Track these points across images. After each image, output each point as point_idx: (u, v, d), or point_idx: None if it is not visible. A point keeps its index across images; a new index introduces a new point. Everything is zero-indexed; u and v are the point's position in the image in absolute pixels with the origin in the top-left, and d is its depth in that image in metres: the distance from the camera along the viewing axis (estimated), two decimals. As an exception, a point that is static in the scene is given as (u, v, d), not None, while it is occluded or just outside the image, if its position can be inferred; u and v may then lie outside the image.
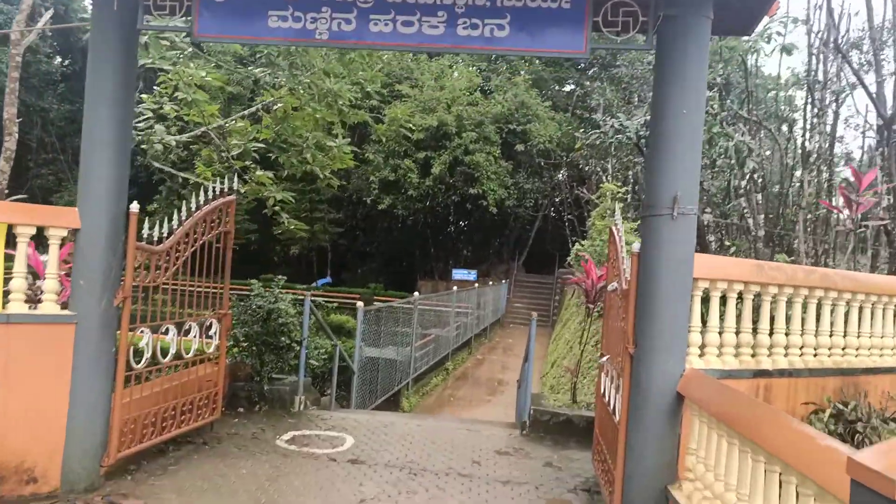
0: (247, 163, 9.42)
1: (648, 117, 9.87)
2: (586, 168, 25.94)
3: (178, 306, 6.02)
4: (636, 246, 4.98)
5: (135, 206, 5.26)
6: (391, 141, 32.16)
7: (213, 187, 6.34)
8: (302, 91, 9.18)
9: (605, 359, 6.08)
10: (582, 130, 35.36)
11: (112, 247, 5.20)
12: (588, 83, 34.44)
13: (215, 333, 6.54)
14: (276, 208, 9.48)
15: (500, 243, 37.79)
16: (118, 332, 5.27)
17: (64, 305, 5.22)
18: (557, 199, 35.41)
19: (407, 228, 34.63)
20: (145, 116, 8.99)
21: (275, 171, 10.31)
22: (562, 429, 7.54)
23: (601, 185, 17.63)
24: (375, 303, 33.80)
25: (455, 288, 20.52)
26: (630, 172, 18.19)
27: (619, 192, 15.73)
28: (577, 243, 16.42)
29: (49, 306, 5.08)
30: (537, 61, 38.85)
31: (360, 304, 10.38)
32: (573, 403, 8.20)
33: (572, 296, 23.44)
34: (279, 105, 9.53)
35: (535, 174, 35.47)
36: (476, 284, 25.60)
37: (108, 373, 5.24)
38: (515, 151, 33.19)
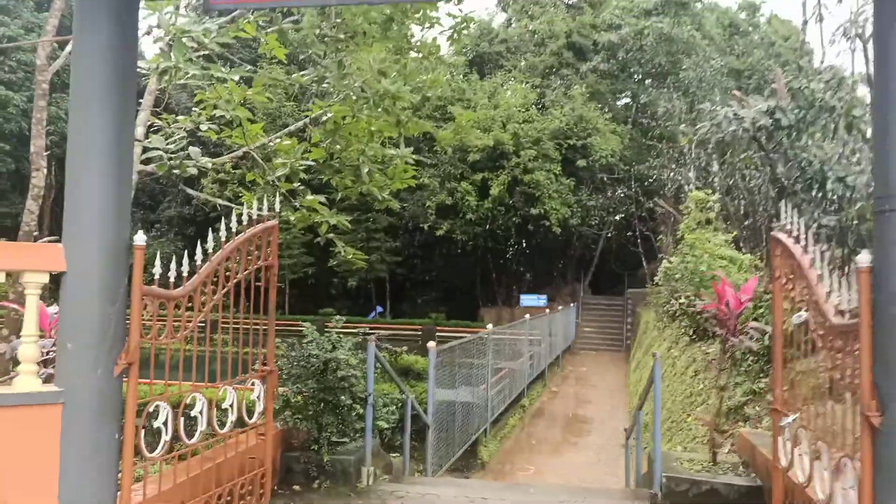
0: (295, 185, 8.07)
1: (769, 103, 8.14)
2: (663, 178, 24.05)
3: (207, 367, 4.61)
4: (864, 258, 3.32)
5: (140, 239, 3.88)
6: (446, 164, 30.88)
7: (250, 211, 4.95)
8: (354, 96, 7.80)
9: (790, 419, 4.39)
10: (646, 141, 33.58)
11: (109, 294, 3.80)
12: (650, 90, 32.64)
13: (259, 397, 5.09)
14: (331, 235, 8.07)
15: (564, 265, 35.96)
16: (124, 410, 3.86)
17: (50, 378, 3.85)
18: (622, 215, 33.42)
19: (467, 254, 33.12)
20: (178, 136, 7.73)
21: (326, 196, 8.89)
22: (705, 502, 5.82)
23: (687, 194, 15.86)
24: (438, 334, 32.40)
25: (528, 316, 18.83)
26: (718, 178, 16.32)
27: (709, 202, 13.92)
28: (663, 260, 14.63)
29: (26, 381, 3.70)
30: (591, 75, 37.27)
31: (431, 344, 8.81)
32: (713, 465, 6.46)
33: (658, 318, 21.50)
34: (329, 116, 8.16)
35: (598, 190, 33.66)
36: (547, 310, 23.85)
37: (111, 467, 3.82)
38: (576, 167, 31.47)
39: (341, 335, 6.41)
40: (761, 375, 9.43)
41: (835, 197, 7.63)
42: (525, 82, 35.08)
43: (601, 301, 35.65)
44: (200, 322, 4.47)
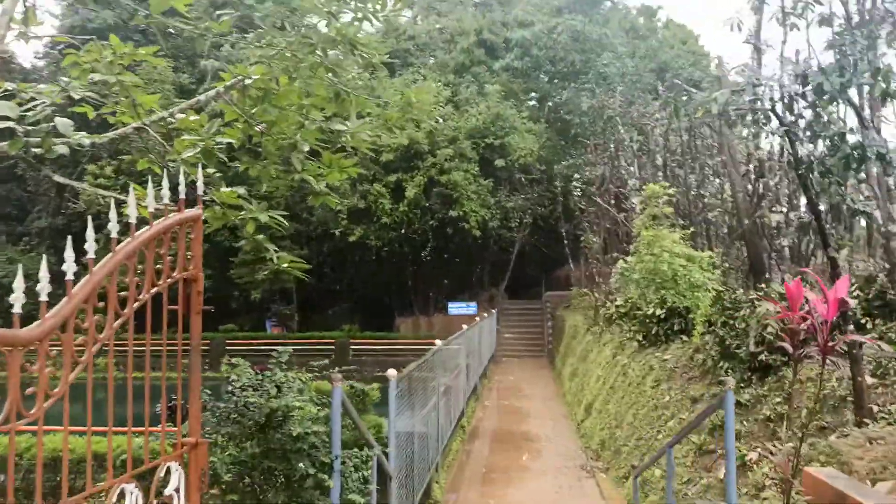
0: (210, 171, 6.14)
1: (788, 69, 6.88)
2: (590, 175, 23.07)
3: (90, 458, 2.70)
4: None
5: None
6: (357, 165, 28.87)
7: (156, 194, 3.07)
8: (289, 52, 5.97)
9: None
10: (562, 142, 32.83)
11: None
12: (567, 88, 31.87)
13: (179, 489, 3.19)
14: (259, 237, 6.19)
15: (482, 269, 34.69)
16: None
17: None
18: (541, 216, 32.43)
19: (381, 261, 31.26)
20: (41, 103, 5.62)
21: (249, 190, 7.00)
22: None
23: (632, 190, 14.74)
24: (353, 347, 30.34)
25: (465, 326, 17.26)
26: (667, 171, 15.27)
27: (664, 196, 12.76)
28: (619, 260, 13.39)
29: None
30: (503, 73, 36.32)
31: (392, 372, 6.95)
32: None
33: (589, 322, 20.32)
34: (253, 79, 6.27)
35: (515, 191, 32.58)
36: (477, 318, 22.37)
37: None
38: (494, 168, 30.27)
39: (287, 370, 4.58)
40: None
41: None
42: (437, 81, 33.64)
43: (520, 306, 34.62)
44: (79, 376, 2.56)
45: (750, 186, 14.82)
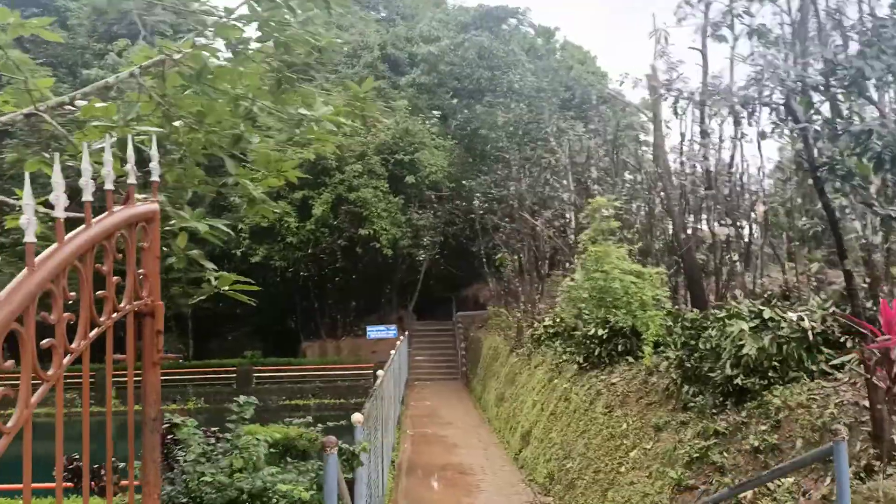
0: (124, 168, 4.71)
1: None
2: (505, 192, 22.41)
3: None
4: None
5: None
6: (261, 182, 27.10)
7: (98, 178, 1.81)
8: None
9: None
10: (470, 159, 32.23)
11: None
12: (477, 104, 31.38)
13: None
14: (195, 252, 4.86)
15: (391, 290, 33.45)
16: None
17: None
18: (451, 235, 31.60)
19: (286, 282, 29.49)
20: None
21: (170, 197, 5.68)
22: None
23: (566, 205, 14.06)
24: (256, 375, 28.29)
25: (393, 351, 16.00)
26: (605, 186, 14.66)
27: (611, 209, 12.08)
28: (566, 277, 12.61)
29: None
30: (409, 89, 35.50)
31: (358, 416, 5.64)
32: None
33: (511, 343, 19.42)
34: (183, 55, 4.94)
35: (424, 208, 31.62)
36: (398, 342, 21.11)
37: None
38: (405, 184, 29.23)
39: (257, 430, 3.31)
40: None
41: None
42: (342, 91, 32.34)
43: (430, 326, 33.56)
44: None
45: (684, 200, 14.51)
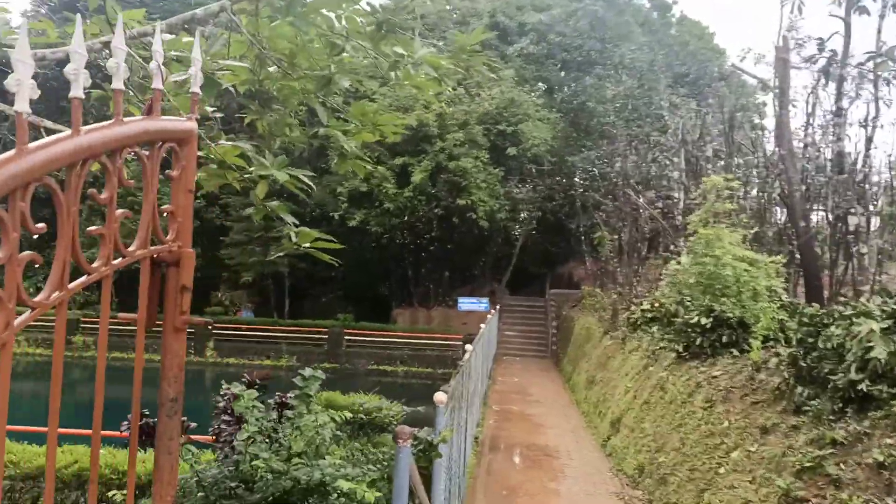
0: (208, 110, 4.51)
1: None
2: (609, 170, 21.44)
3: None
4: None
5: None
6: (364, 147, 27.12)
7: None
8: None
9: None
10: (574, 134, 31.15)
11: None
12: (579, 80, 30.28)
13: None
14: (274, 203, 4.56)
15: (485, 263, 33.05)
16: None
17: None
18: (550, 209, 30.76)
19: (381, 248, 29.59)
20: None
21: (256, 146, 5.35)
22: None
23: (675, 184, 13.14)
24: (347, 338, 28.66)
25: (483, 325, 15.64)
26: (724, 163, 13.64)
27: (728, 188, 11.10)
28: (670, 261, 11.79)
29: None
30: (517, 59, 34.67)
31: (440, 396, 5.25)
32: None
33: (605, 325, 18.57)
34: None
35: (524, 182, 30.88)
36: (489, 315, 20.74)
37: None
38: (506, 156, 28.59)
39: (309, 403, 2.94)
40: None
41: None
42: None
43: (522, 302, 32.99)
44: None
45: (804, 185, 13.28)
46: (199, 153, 5.24)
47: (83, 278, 1.28)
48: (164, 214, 1.64)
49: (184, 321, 1.51)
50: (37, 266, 1.22)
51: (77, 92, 1.27)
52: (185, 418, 5.07)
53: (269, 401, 3.89)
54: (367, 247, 29.88)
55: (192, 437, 4.91)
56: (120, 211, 1.31)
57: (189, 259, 1.62)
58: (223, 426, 2.98)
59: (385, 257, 30.32)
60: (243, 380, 4.25)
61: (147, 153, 1.51)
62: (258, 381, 4.31)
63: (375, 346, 28.26)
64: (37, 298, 1.16)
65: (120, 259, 1.39)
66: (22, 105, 1.12)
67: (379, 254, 30.08)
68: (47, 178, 1.16)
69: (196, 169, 1.63)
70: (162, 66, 1.65)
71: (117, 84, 1.46)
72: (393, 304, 31.32)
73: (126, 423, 5.13)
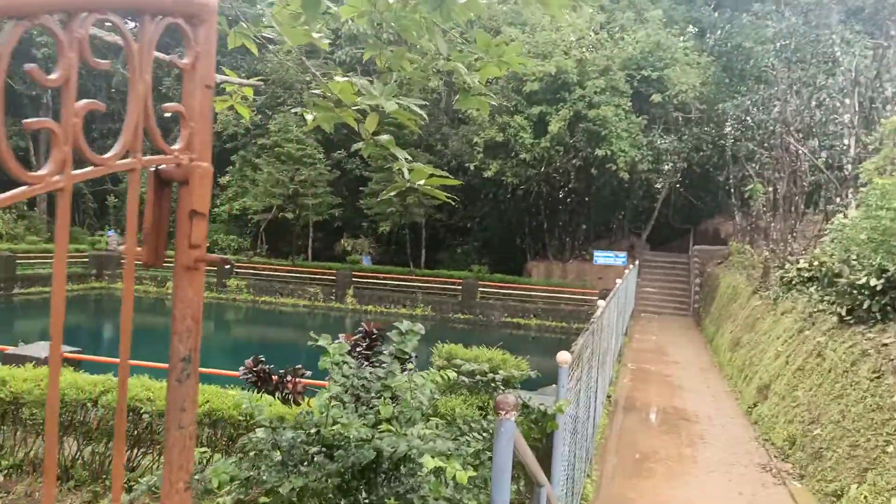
0: (314, 37, 4.25)
1: None
2: (778, 113, 19.63)
3: None
4: None
5: None
6: (498, 94, 26.57)
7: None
8: None
9: None
10: (726, 80, 28.91)
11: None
12: (734, 21, 27.89)
13: None
14: (384, 138, 4.23)
15: (623, 216, 31.79)
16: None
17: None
18: (696, 161, 28.91)
19: (516, 199, 29.14)
20: None
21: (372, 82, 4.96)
22: None
23: (849, 127, 11.66)
24: (481, 289, 28.67)
25: (619, 280, 14.97)
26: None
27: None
28: (836, 215, 10.58)
29: None
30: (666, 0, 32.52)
31: (563, 356, 4.81)
32: None
33: (754, 284, 17.23)
34: None
35: (668, 131, 29.16)
36: (627, 270, 19.92)
37: None
38: (649, 104, 27.05)
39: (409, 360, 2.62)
40: None
41: None
42: (591, 6, 30.39)
43: (663, 258, 31.53)
44: None
45: None
46: (315, 91, 5.05)
47: (23, 188, 0.90)
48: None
49: (196, 259, 1.14)
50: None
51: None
52: (300, 365, 4.94)
53: (384, 351, 3.65)
54: (503, 198, 29.52)
55: (312, 381, 4.75)
56: (83, 102, 0.95)
57: (203, 176, 1.15)
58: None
59: (520, 209, 29.85)
60: (359, 330, 4.03)
61: (135, 26, 1.10)
62: (376, 331, 4.08)
63: (509, 298, 28.07)
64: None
65: (90, 168, 1.01)
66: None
67: (514, 205, 29.66)
68: None
69: (215, 59, 1.23)
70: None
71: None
72: (528, 257, 30.90)
73: (244, 367, 5.07)
